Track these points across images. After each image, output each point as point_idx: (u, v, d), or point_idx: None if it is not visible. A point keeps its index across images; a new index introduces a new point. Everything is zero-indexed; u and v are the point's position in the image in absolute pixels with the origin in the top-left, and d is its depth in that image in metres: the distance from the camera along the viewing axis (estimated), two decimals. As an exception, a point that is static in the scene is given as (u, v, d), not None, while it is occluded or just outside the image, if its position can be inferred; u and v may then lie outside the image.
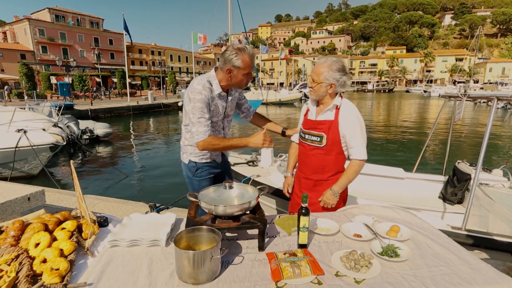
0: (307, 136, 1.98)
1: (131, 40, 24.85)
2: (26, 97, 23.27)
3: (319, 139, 1.90)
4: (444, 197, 3.73)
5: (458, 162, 3.84)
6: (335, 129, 1.87)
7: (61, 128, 7.25)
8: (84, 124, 11.14)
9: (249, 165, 3.98)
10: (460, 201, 3.58)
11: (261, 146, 1.83)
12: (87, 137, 10.93)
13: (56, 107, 9.94)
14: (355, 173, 1.90)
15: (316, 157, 1.95)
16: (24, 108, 9.16)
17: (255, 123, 2.36)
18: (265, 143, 1.82)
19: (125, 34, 23.63)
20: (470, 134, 13.92)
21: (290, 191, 2.21)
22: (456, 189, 3.61)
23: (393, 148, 11.24)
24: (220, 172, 2.20)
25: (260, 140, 1.82)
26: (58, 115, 9.34)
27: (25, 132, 6.26)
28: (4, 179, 6.18)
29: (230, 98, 2.03)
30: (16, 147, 6.17)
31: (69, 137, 7.12)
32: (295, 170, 2.25)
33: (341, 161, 1.97)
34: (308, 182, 2.03)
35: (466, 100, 3.43)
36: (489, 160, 8.67)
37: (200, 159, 2.06)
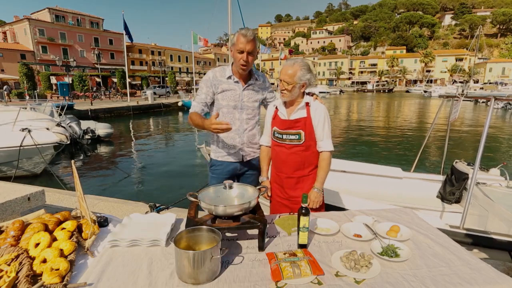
0: (285, 136, 2.01)
1: (131, 40, 24.65)
2: (27, 97, 23.23)
3: (297, 136, 1.97)
4: (442, 197, 3.74)
5: (456, 162, 3.84)
6: (310, 125, 1.96)
7: (64, 127, 7.27)
8: (85, 124, 11.16)
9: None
10: (458, 201, 3.59)
11: (211, 129, 1.76)
12: (89, 137, 10.94)
13: (57, 107, 9.97)
14: (329, 165, 2.00)
15: (296, 154, 2.00)
16: (26, 108, 9.18)
17: None
18: (216, 127, 1.72)
19: (125, 34, 23.56)
20: (468, 133, 13.92)
21: (270, 194, 2.22)
22: (454, 188, 3.62)
23: (392, 147, 11.23)
24: (243, 173, 2.20)
25: (210, 123, 1.76)
26: (60, 115, 9.37)
27: (29, 131, 6.29)
28: (9, 177, 6.21)
29: (246, 85, 2.07)
30: (21, 145, 6.20)
31: (72, 136, 7.14)
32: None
33: (317, 155, 2.05)
34: (291, 180, 2.06)
35: (464, 100, 3.44)
36: (487, 159, 8.66)
37: (216, 156, 2.18)
